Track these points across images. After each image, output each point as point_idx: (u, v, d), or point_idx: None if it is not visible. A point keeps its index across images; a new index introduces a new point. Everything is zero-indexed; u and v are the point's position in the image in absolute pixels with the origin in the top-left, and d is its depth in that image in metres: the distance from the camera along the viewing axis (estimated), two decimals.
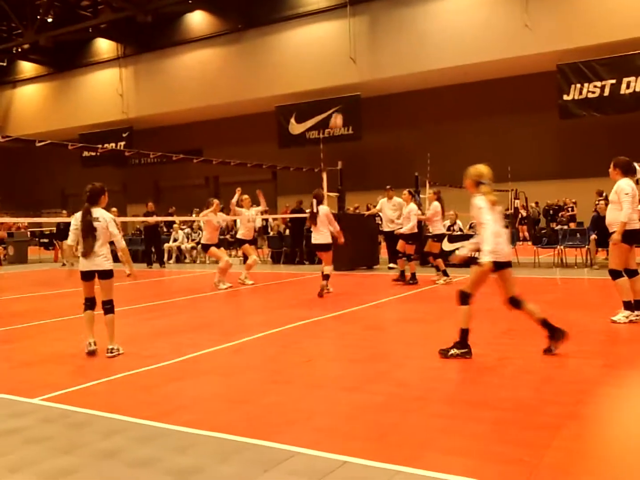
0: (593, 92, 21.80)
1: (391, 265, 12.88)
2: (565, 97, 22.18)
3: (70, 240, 5.61)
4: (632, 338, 5.81)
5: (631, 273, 6.30)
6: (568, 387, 4.11)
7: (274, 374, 4.71)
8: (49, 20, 29.38)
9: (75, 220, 5.55)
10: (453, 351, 4.94)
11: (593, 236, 11.65)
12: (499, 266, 4.81)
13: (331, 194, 13.02)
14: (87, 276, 5.51)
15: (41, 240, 24.41)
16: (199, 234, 17.49)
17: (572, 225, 17.89)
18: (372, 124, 26.09)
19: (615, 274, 6.28)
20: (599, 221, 10.97)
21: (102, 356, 5.43)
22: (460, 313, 4.98)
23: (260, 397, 4.10)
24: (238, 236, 11.43)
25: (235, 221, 15.75)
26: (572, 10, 21.19)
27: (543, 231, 13.98)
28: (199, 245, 17.29)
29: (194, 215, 18.65)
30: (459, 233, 14.03)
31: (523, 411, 3.64)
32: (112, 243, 5.63)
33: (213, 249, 10.87)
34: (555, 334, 4.90)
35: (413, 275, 10.31)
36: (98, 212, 5.52)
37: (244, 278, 11.05)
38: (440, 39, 23.20)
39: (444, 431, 3.40)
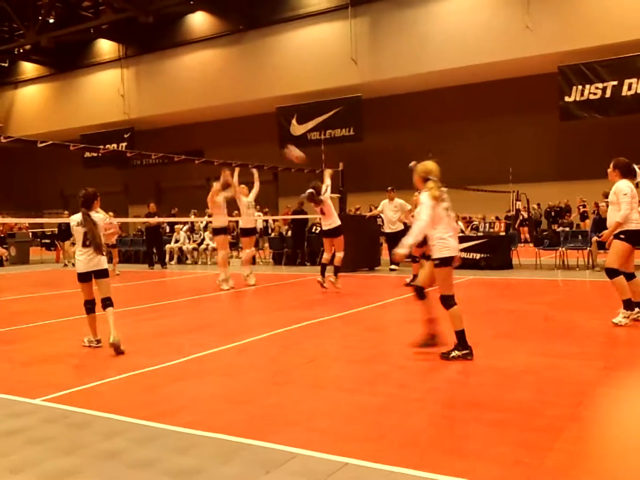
0: (594, 94, 21.75)
1: (392, 266, 12.86)
2: (566, 99, 22.14)
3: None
4: (632, 340, 5.80)
5: (629, 276, 6.28)
6: (569, 389, 4.10)
7: (275, 375, 4.71)
8: (51, 21, 29.40)
9: (76, 223, 5.69)
10: (454, 353, 4.93)
11: (595, 238, 11.64)
12: (448, 262, 4.93)
13: (333, 195, 13.01)
14: (86, 277, 5.69)
15: (43, 241, 24.42)
16: (200, 234, 17.51)
17: (586, 223, 17.59)
18: (373, 125, 26.09)
19: (612, 273, 6.21)
20: (600, 223, 10.96)
21: (103, 356, 5.45)
22: (450, 317, 4.99)
23: (262, 398, 4.10)
24: (240, 226, 11.42)
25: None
26: (574, 12, 21.18)
27: (545, 233, 13.97)
28: (201, 245, 17.37)
29: (192, 216, 18.64)
30: (460, 234, 14.00)
31: (524, 413, 3.64)
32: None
33: (222, 238, 10.75)
34: (433, 339, 5.14)
35: (414, 277, 10.26)
36: (94, 215, 5.75)
37: (246, 276, 11.06)
38: (441, 41, 23.19)
39: (445, 433, 3.41)
